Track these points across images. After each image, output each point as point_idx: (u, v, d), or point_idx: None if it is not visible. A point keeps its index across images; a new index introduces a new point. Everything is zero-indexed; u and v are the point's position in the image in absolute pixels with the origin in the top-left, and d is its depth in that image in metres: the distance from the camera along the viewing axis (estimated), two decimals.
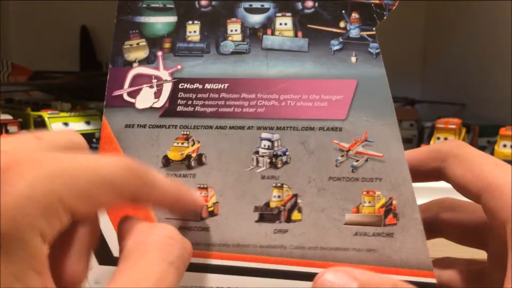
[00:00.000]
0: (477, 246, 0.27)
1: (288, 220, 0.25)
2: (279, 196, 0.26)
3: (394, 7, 0.27)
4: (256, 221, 0.25)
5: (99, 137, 0.27)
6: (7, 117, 0.52)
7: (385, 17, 0.29)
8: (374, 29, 0.28)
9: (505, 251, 0.23)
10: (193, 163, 0.26)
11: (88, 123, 0.56)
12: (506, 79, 0.80)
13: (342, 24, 0.28)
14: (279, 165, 0.26)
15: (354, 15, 0.27)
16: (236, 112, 0.26)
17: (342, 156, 0.26)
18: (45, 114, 0.54)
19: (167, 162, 0.26)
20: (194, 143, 0.26)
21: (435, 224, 0.24)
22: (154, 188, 0.20)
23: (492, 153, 0.59)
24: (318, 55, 0.27)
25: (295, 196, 0.26)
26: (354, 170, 0.25)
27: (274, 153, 0.26)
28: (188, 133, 0.26)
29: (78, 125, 0.53)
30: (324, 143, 0.26)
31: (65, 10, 1.00)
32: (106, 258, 0.26)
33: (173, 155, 0.26)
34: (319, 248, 0.25)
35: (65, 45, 1.01)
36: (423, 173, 0.26)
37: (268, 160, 0.26)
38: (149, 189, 0.20)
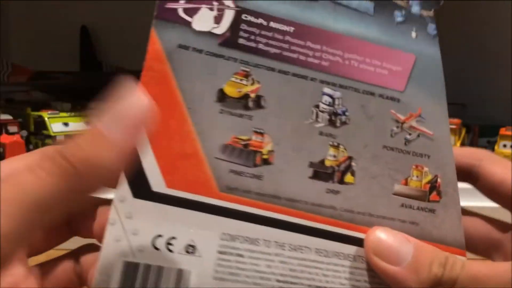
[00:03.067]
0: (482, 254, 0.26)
1: (341, 181, 0.23)
2: (334, 156, 0.24)
3: None
4: (310, 177, 0.23)
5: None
6: (7, 117, 0.52)
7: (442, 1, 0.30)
8: (433, 10, 0.29)
9: None
10: (250, 104, 0.23)
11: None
12: (506, 79, 0.81)
13: None
14: (338, 124, 0.24)
15: None
16: (301, 60, 0.24)
17: (397, 127, 0.24)
18: (45, 114, 0.53)
19: (222, 96, 0.22)
20: (253, 82, 0.23)
21: None
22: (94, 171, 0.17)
23: None
24: (382, 22, 0.27)
25: (350, 158, 0.24)
26: (406, 143, 0.24)
27: (334, 111, 0.24)
28: (248, 70, 0.23)
29: (78, 125, 0.52)
30: (383, 110, 0.24)
31: (65, 10, 0.98)
32: (143, 191, 0.21)
33: (230, 91, 0.23)
34: (368, 214, 0.23)
35: (65, 45, 0.99)
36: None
37: (328, 117, 0.24)
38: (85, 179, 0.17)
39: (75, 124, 0.53)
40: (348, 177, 0.24)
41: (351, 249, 0.23)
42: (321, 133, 0.24)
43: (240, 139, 0.23)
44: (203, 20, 0.23)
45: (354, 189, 0.24)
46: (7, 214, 0.15)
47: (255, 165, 0.23)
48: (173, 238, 0.21)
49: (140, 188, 0.21)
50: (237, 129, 0.23)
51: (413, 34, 0.26)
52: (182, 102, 0.22)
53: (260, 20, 0.24)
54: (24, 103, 0.65)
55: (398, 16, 0.26)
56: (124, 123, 0.18)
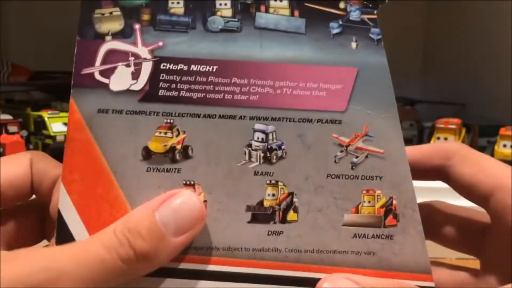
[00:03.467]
0: (467, 251, 0.25)
1: (283, 220, 0.22)
2: (273, 195, 0.23)
3: None
4: (249, 222, 0.22)
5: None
6: (7, 117, 0.52)
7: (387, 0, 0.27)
8: (375, 12, 0.26)
9: (506, 254, 0.23)
10: (178, 156, 0.22)
11: None
12: (506, 79, 0.78)
13: (342, 5, 0.26)
14: (274, 160, 0.23)
15: None
16: (226, 99, 0.23)
17: (342, 151, 0.23)
18: (45, 114, 0.53)
19: (148, 154, 0.22)
20: (179, 133, 0.23)
21: (426, 226, 0.23)
22: None
23: (492, 153, 0.57)
24: (316, 38, 0.25)
25: (291, 194, 0.23)
26: (354, 167, 0.23)
27: (269, 146, 0.23)
28: (172, 121, 0.23)
29: None
30: (323, 136, 0.23)
31: (65, 10, 0.96)
32: (66, 240, 0.21)
33: (155, 147, 0.22)
34: (316, 251, 0.22)
35: (65, 45, 0.91)
36: (424, 170, 0.25)
37: (262, 155, 0.23)
38: None
39: None
40: (291, 215, 0.23)
41: None
42: (256, 173, 0.23)
43: None
44: (120, 79, 0.23)
45: (298, 226, 0.23)
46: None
47: None
48: None
49: (64, 237, 0.21)
50: (166, 185, 0.23)
51: (353, 45, 0.24)
52: (107, 167, 0.22)
53: (180, 66, 0.23)
54: (24, 103, 0.64)
55: (334, 28, 0.24)
56: (180, 222, 0.20)
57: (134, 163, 0.22)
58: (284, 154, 0.23)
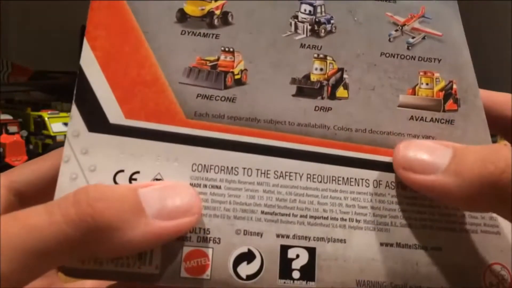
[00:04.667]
0: None
1: (332, 97, 0.20)
2: (321, 69, 0.20)
3: None
4: (294, 95, 0.20)
5: None
6: (7, 117, 0.52)
7: None
8: None
9: None
10: (216, 22, 0.20)
11: None
12: (506, 79, 0.77)
13: None
14: (322, 34, 0.21)
15: None
16: None
17: (396, 30, 0.21)
18: (45, 114, 0.53)
19: (183, 16, 0.20)
20: None
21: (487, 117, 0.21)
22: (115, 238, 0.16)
23: None
24: None
25: (341, 70, 0.20)
26: (410, 47, 0.21)
27: (317, 19, 0.21)
28: None
29: None
30: (376, 14, 0.21)
31: (65, 10, 0.97)
32: (99, 124, 0.18)
33: (192, 10, 0.20)
34: (369, 131, 0.20)
35: (65, 45, 0.97)
36: (496, 119, 0.22)
37: (309, 27, 0.21)
38: (105, 243, 0.16)
39: None
40: (341, 91, 0.21)
41: (351, 171, 0.20)
42: (302, 45, 0.21)
43: (207, 60, 0.20)
44: None
45: (348, 104, 0.20)
46: (9, 259, 0.14)
47: (226, 87, 0.20)
48: (137, 172, 0.18)
49: (96, 121, 0.19)
50: (202, 49, 0.20)
51: None
52: (137, 25, 0.20)
53: None
54: (24, 103, 0.64)
55: None
56: (165, 205, 0.17)
57: (167, 24, 0.20)
58: (334, 28, 0.21)
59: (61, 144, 0.47)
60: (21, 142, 0.49)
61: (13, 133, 0.50)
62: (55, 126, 0.52)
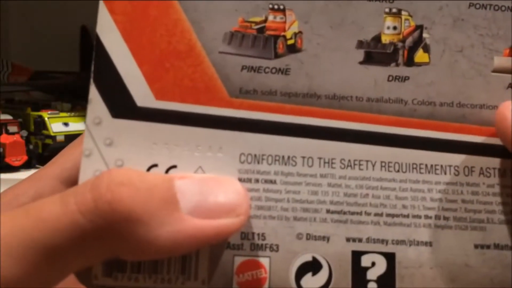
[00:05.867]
0: None
1: (410, 62, 0.16)
2: (395, 27, 0.16)
3: None
4: (361, 63, 0.16)
5: None
6: (7, 117, 0.52)
7: None
8: None
9: None
10: None
11: None
12: None
13: None
14: None
15: None
16: None
17: None
18: (45, 114, 0.53)
19: None
20: None
21: None
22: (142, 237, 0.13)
23: None
24: None
25: (420, 28, 0.16)
26: None
27: None
28: None
29: (78, 125, 0.52)
30: None
31: (65, 10, 0.98)
32: (125, 108, 0.15)
33: None
34: (457, 105, 0.16)
35: (65, 45, 0.98)
36: None
37: None
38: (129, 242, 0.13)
39: (75, 124, 0.52)
40: (420, 55, 0.17)
41: (435, 157, 0.16)
42: None
43: (252, 22, 0.16)
44: None
45: (430, 70, 0.16)
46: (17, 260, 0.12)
47: (277, 55, 0.16)
48: (173, 167, 0.15)
49: (121, 104, 0.15)
50: (245, 8, 0.16)
51: None
52: None
53: None
54: (24, 103, 0.65)
55: None
56: (205, 201, 0.14)
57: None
58: None
59: (61, 144, 0.49)
60: (21, 142, 0.49)
61: (13, 133, 0.50)
62: (55, 126, 0.52)
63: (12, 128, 0.51)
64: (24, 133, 0.50)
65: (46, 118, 0.53)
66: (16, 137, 0.49)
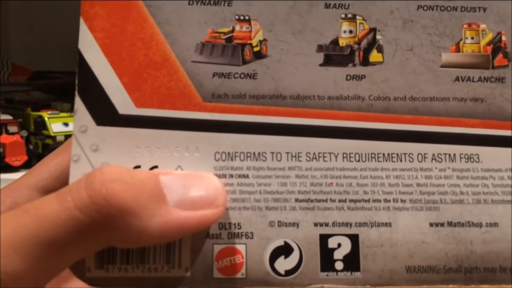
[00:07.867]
0: None
1: (365, 62, 0.18)
2: (350, 31, 0.18)
3: None
4: (321, 65, 0.18)
5: None
6: (7, 117, 0.52)
7: None
8: None
9: None
10: None
11: None
12: None
13: None
14: None
15: None
16: None
17: None
18: (45, 114, 0.53)
19: None
20: None
21: None
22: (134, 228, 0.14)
23: None
24: None
25: (373, 30, 0.18)
26: None
27: None
28: None
29: None
30: None
31: (65, 10, 0.92)
32: (108, 116, 0.17)
33: None
34: (409, 98, 0.18)
35: (65, 45, 0.91)
36: None
37: None
38: (122, 232, 0.14)
39: None
40: (374, 55, 0.18)
41: (391, 146, 0.18)
42: (327, 6, 0.18)
43: (221, 32, 0.18)
44: None
45: (385, 68, 0.18)
46: (22, 255, 0.13)
47: (245, 62, 0.18)
48: (155, 167, 0.17)
49: (104, 113, 0.17)
50: (214, 20, 0.18)
51: None
52: None
53: None
54: (24, 103, 0.65)
55: None
56: (188, 195, 0.15)
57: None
58: None
59: (61, 144, 0.49)
60: (21, 142, 0.49)
61: (13, 133, 0.50)
62: (55, 126, 0.52)
63: (12, 128, 0.51)
64: (24, 133, 0.50)
65: (46, 118, 0.53)
66: (16, 137, 0.49)
